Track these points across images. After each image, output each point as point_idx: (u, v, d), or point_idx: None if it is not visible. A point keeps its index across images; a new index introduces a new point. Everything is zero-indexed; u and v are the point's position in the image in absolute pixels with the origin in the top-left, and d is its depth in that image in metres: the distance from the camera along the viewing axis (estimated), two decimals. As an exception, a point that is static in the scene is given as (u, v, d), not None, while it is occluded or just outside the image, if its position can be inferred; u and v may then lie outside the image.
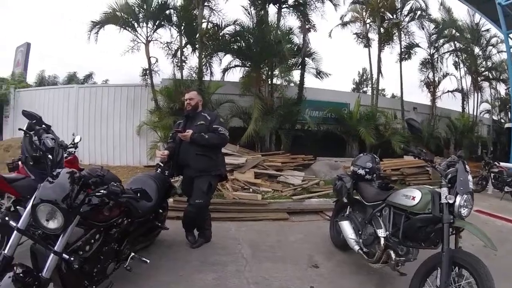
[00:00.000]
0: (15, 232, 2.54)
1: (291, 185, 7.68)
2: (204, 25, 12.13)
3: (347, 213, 4.36)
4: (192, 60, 12.81)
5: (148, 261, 3.19)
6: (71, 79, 18.38)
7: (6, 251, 2.47)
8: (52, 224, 2.43)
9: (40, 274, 2.43)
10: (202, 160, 4.49)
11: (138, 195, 3.03)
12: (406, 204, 3.19)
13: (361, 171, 4.25)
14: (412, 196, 3.16)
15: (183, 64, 12.43)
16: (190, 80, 11.98)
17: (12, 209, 4.14)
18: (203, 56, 11.91)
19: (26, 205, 3.73)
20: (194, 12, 12.04)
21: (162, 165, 4.81)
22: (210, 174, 4.57)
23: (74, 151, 5.13)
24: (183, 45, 12.34)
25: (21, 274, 2.37)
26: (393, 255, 3.26)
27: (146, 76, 12.10)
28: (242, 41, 11.77)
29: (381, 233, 3.46)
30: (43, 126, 3.68)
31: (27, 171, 3.65)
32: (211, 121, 4.61)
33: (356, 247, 3.85)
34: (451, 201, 2.83)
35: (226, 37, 12.23)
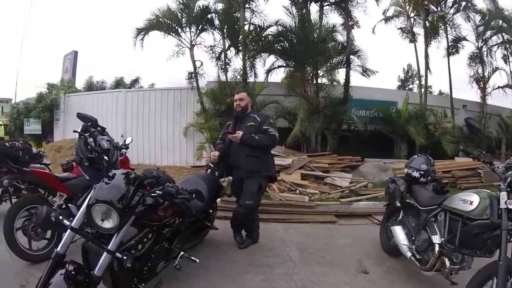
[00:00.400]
0: (68, 230, 2.61)
1: (339, 187, 7.53)
2: (246, 27, 12.14)
3: (400, 217, 4.23)
4: (236, 62, 12.89)
5: (198, 260, 3.22)
6: (119, 84, 19.08)
7: (58, 249, 2.55)
8: (107, 224, 2.48)
9: (91, 272, 2.49)
10: (253, 161, 4.51)
11: (194, 195, 3.05)
12: (463, 209, 3.06)
13: (416, 174, 4.12)
14: (469, 200, 3.02)
15: (227, 66, 12.57)
16: (235, 82, 12.07)
17: (63, 206, 4.40)
18: (246, 57, 11.91)
19: (78, 203, 3.89)
20: (236, 14, 12.10)
21: (212, 166, 4.86)
22: (260, 175, 4.60)
23: (125, 152, 5.28)
24: (226, 47, 12.44)
25: (72, 272, 2.42)
26: (447, 263, 3.14)
27: (192, 79, 12.35)
28: (285, 41, 11.61)
29: (436, 239, 3.33)
30: (98, 128, 3.77)
31: (82, 171, 3.76)
32: (261, 122, 4.63)
33: (409, 254, 3.73)
34: (510, 206, 2.67)
35: (269, 38, 12.16)
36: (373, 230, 5.40)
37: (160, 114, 13.22)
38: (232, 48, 12.63)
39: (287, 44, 11.55)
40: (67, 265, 2.45)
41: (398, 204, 4.18)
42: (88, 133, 3.56)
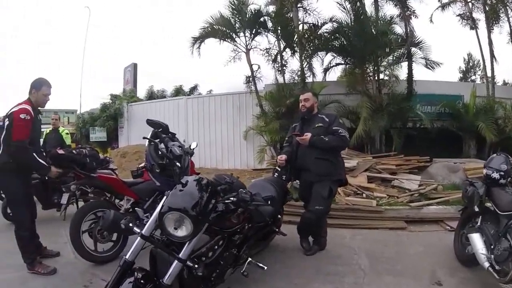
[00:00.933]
0: (138, 238, 2.61)
1: (407, 190, 7.20)
2: (300, 27, 12.04)
3: (478, 224, 3.92)
4: (292, 63, 12.88)
5: (266, 267, 3.09)
6: (178, 91, 20.05)
7: (127, 256, 2.56)
8: (180, 232, 2.43)
9: (161, 280, 2.46)
10: (323, 164, 4.37)
11: (269, 202, 2.97)
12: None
13: (496, 175, 3.80)
14: None
15: (284, 68, 12.50)
16: (293, 83, 12.05)
17: (130, 210, 4.55)
18: (303, 57, 11.80)
19: (144, 207, 3.92)
20: (289, 15, 12.06)
21: (279, 169, 4.76)
22: (331, 179, 4.45)
23: (190, 157, 5.27)
24: (281, 49, 12.39)
25: (142, 280, 2.41)
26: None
27: (250, 83, 12.47)
28: (342, 38, 11.38)
29: (518, 248, 3.02)
30: (169, 134, 3.76)
31: (153, 178, 3.77)
32: (329, 122, 4.47)
33: (486, 264, 3.45)
34: None
35: (325, 36, 11.87)
36: (445, 237, 5.19)
37: (220, 118, 13.49)
38: (287, 49, 12.45)
39: (344, 41, 11.31)
40: (136, 273, 2.45)
41: (476, 209, 3.89)
42: (158, 139, 3.54)
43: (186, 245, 2.52)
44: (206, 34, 12.28)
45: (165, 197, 2.65)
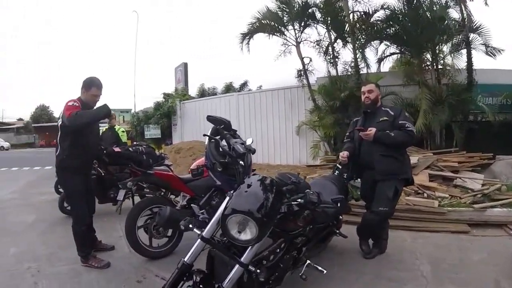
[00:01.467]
0: (198, 240, 2.56)
1: (470, 190, 6.77)
2: (351, 16, 11.65)
3: None
4: (344, 54, 12.51)
5: (325, 271, 2.95)
6: (228, 88, 20.70)
7: (186, 259, 2.51)
8: (244, 236, 2.35)
9: (220, 284, 2.40)
10: (388, 161, 4.15)
11: (339, 204, 2.83)
12: None
13: None
14: None
15: (336, 60, 12.19)
16: (346, 75, 11.75)
17: (186, 206, 4.65)
18: (357, 47, 11.40)
19: (200, 203, 3.97)
20: (338, 4, 11.70)
21: (340, 167, 4.56)
22: (397, 177, 4.22)
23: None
24: (332, 40, 12.10)
25: (200, 285, 2.39)
26: None
27: (302, 77, 12.34)
28: (396, 26, 10.92)
29: None
30: (230, 131, 3.68)
31: (213, 177, 3.71)
32: (395, 116, 4.22)
33: None
34: None
35: (378, 24, 11.42)
36: (510, 244, 4.97)
37: (272, 114, 13.56)
38: (338, 40, 12.15)
39: (398, 29, 10.87)
40: (194, 276, 2.42)
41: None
42: (219, 136, 3.44)
43: (249, 249, 2.45)
44: (254, 30, 12.31)
45: (227, 198, 2.59)
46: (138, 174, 4.74)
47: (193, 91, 20.98)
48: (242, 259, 2.42)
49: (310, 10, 11.86)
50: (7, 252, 4.93)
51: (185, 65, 20.64)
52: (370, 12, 11.53)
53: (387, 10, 11.06)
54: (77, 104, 3.96)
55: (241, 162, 2.98)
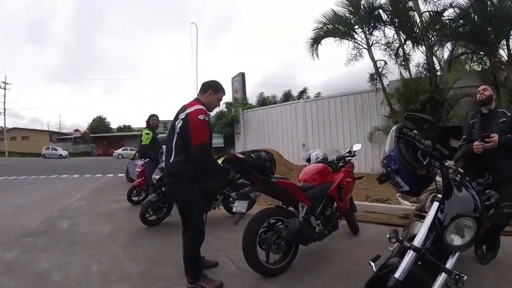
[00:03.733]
0: (410, 252, 2.23)
1: None
2: (419, 16, 11.09)
3: None
4: (414, 56, 12.07)
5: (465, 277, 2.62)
6: (287, 96, 20.92)
7: (398, 275, 2.15)
8: (458, 241, 2.20)
9: None
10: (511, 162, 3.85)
11: None
12: None
13: None
14: None
15: (407, 62, 11.71)
16: (419, 78, 11.22)
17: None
18: (428, 48, 10.93)
19: (316, 213, 3.95)
20: (407, 5, 11.24)
21: (462, 171, 4.17)
22: None
23: (350, 159, 4.95)
24: (402, 42, 11.64)
25: None
26: None
27: (376, 81, 12.00)
28: (468, 24, 10.39)
29: None
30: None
31: (401, 181, 3.22)
32: None
33: None
34: None
35: (450, 23, 10.93)
36: None
37: (342, 120, 13.21)
38: (408, 42, 11.67)
39: (471, 27, 10.31)
40: None
41: None
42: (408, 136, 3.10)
43: (454, 254, 2.28)
44: (324, 34, 12.07)
45: (435, 203, 2.38)
46: (258, 183, 4.37)
47: (251, 100, 20.98)
48: (447, 265, 2.22)
49: (376, 12, 11.55)
50: (89, 269, 4.20)
51: (243, 75, 20.64)
52: (439, 11, 11.04)
53: (456, 9, 10.60)
54: (207, 119, 3.62)
55: (446, 163, 2.72)
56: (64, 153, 47.39)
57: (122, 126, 62.41)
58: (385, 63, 11.78)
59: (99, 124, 60.39)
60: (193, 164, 3.47)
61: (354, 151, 4.99)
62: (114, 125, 63.08)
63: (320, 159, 4.96)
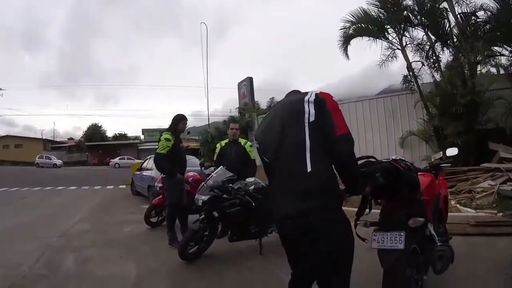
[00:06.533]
0: None
1: None
2: (451, 18, 10.58)
3: None
4: (443, 57, 11.34)
5: None
6: None
7: None
8: None
9: None
10: None
11: None
12: None
13: None
14: None
15: (438, 63, 11.01)
16: (454, 80, 10.23)
17: None
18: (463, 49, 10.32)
19: None
20: (439, 5, 10.59)
21: None
22: None
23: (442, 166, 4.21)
24: (433, 43, 10.96)
25: None
26: None
27: (411, 83, 11.08)
28: (501, 25, 9.80)
29: None
30: None
31: None
32: None
33: None
34: None
35: (481, 25, 10.34)
36: None
37: (370, 124, 12.47)
38: (438, 43, 11.08)
39: (503, 29, 9.80)
40: None
41: None
42: None
43: None
44: (355, 33, 11.37)
45: None
46: (400, 201, 2.94)
47: (263, 105, 20.00)
48: None
49: (405, 13, 10.93)
50: None
51: (250, 80, 19.44)
52: (470, 13, 10.41)
53: (487, 12, 10.07)
54: None
55: None
56: (59, 162, 46.03)
57: (118, 134, 60.39)
58: (423, 64, 11.10)
59: (94, 132, 58.50)
60: (345, 172, 2.11)
61: (447, 157, 4.12)
62: (109, 133, 61.00)
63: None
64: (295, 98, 2.25)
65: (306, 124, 2.05)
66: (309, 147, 2.01)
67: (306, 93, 2.19)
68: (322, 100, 2.10)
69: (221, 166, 5.02)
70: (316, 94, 2.14)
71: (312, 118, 2.04)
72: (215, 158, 6.01)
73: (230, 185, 4.62)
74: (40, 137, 61.06)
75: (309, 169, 1.96)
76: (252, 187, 4.82)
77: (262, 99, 27.20)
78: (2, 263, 4.66)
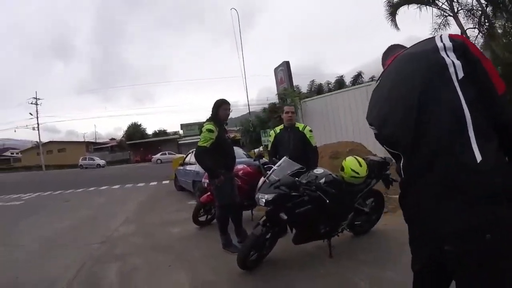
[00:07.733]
0: None
1: None
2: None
3: None
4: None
5: None
6: (340, 83, 19.53)
7: None
8: None
9: None
10: None
11: None
12: None
13: None
14: None
15: (494, 29, 9.77)
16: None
17: None
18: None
19: None
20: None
21: None
22: None
23: None
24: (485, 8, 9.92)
25: None
26: None
27: None
28: None
29: None
30: None
31: None
32: None
33: None
34: None
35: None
36: None
37: None
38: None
39: None
40: None
41: None
42: None
43: None
44: (402, 0, 10.57)
45: None
46: None
47: (303, 89, 19.25)
48: None
49: None
50: None
51: (287, 64, 18.26)
52: None
53: None
54: None
55: None
56: (102, 162, 47.16)
57: (157, 131, 62.00)
58: (479, 31, 9.83)
59: (134, 130, 60.30)
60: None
61: None
62: (149, 130, 62.73)
63: None
64: (421, 48, 1.47)
65: (456, 83, 1.29)
66: (470, 120, 1.24)
67: (432, 39, 1.43)
68: (464, 46, 1.35)
69: (285, 157, 4.25)
70: (451, 38, 1.38)
71: (460, 74, 1.29)
72: (269, 148, 5.36)
73: (297, 179, 3.76)
74: (82, 140, 63.61)
75: (478, 157, 1.20)
76: (323, 179, 3.92)
77: (300, 83, 26.40)
78: (39, 278, 4.29)
